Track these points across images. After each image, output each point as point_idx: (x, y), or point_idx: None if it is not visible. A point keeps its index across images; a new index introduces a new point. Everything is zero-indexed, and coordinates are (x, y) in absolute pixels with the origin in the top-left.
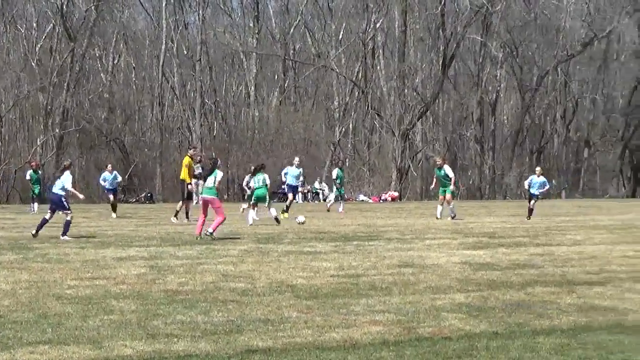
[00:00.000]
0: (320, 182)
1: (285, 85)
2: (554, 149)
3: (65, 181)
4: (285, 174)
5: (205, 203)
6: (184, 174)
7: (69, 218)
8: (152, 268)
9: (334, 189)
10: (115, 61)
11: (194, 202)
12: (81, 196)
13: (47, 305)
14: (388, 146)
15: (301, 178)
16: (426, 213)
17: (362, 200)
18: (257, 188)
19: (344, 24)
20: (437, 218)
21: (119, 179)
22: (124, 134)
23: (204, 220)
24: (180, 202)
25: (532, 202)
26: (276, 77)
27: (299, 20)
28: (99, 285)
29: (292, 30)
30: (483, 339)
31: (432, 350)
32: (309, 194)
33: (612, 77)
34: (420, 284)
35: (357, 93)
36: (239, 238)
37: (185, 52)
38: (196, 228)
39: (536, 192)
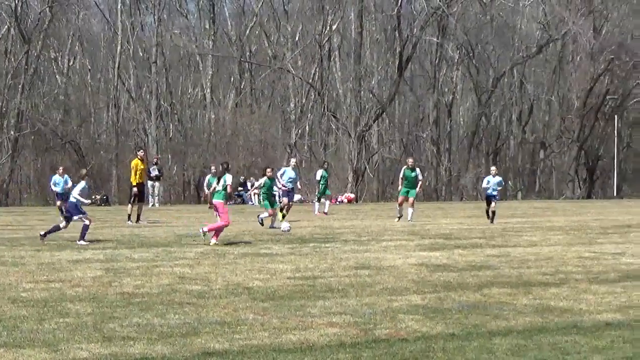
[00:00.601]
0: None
1: (241, 87)
2: (510, 151)
3: (75, 189)
4: (282, 175)
5: (216, 207)
6: (132, 177)
7: (87, 222)
8: (108, 271)
9: (317, 189)
10: (71, 63)
11: (150, 204)
12: (87, 202)
13: (2, 308)
14: (344, 148)
15: (298, 183)
16: (382, 215)
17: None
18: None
19: (300, 26)
20: (397, 218)
21: (69, 183)
22: (79, 136)
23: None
24: (130, 205)
25: (493, 204)
26: (232, 79)
27: (255, 22)
28: (55, 288)
29: (247, 32)
30: (440, 340)
31: (389, 352)
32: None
33: (567, 79)
34: (376, 286)
35: (313, 95)
36: (195, 240)
37: (141, 54)
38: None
39: (494, 193)
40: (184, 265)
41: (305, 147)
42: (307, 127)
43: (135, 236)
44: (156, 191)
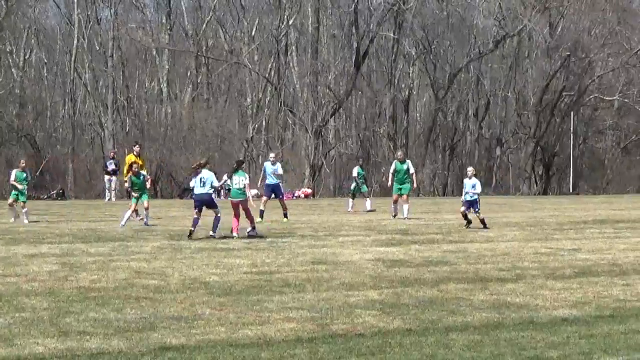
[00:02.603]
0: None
1: (198, 81)
2: (466, 147)
3: (213, 179)
4: (264, 171)
5: (236, 205)
6: (125, 172)
7: (219, 215)
8: (64, 265)
9: (353, 186)
10: (27, 56)
11: (106, 199)
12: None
13: None
14: (301, 143)
15: (279, 172)
16: (339, 210)
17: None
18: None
19: (256, 21)
20: (393, 216)
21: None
22: (35, 130)
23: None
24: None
25: (474, 215)
26: (189, 73)
27: (212, 17)
28: (10, 283)
29: (204, 26)
30: (396, 335)
31: (346, 347)
32: (222, 190)
33: (523, 75)
34: (333, 281)
35: (270, 90)
36: (151, 235)
37: (98, 48)
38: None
39: (470, 198)
40: (140, 260)
41: (262, 142)
42: (263, 122)
43: (91, 230)
44: (113, 185)
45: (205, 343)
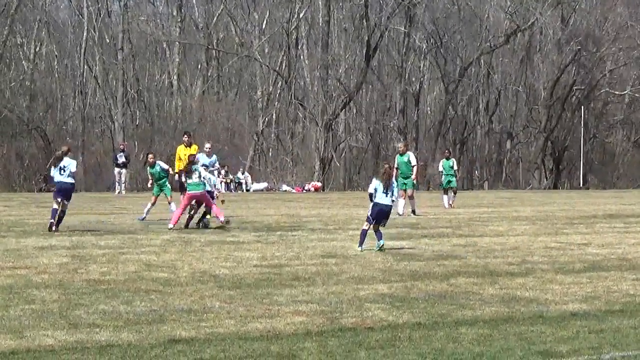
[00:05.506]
0: (243, 172)
1: (209, 74)
2: (476, 140)
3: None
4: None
5: (192, 198)
6: (177, 164)
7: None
8: (74, 257)
9: (444, 180)
10: (37, 49)
11: (116, 192)
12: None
13: None
14: (311, 136)
15: (217, 165)
16: (349, 204)
17: (285, 190)
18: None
19: (267, 14)
20: (399, 214)
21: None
22: (45, 123)
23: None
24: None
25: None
26: (199, 66)
27: (222, 10)
28: (21, 275)
29: (215, 19)
30: (406, 329)
31: (355, 341)
32: (232, 183)
33: (534, 69)
34: (343, 275)
35: (280, 83)
36: (161, 228)
37: (108, 41)
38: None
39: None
40: (150, 253)
41: (272, 136)
42: (274, 115)
43: (101, 223)
44: (123, 178)
45: (214, 336)
